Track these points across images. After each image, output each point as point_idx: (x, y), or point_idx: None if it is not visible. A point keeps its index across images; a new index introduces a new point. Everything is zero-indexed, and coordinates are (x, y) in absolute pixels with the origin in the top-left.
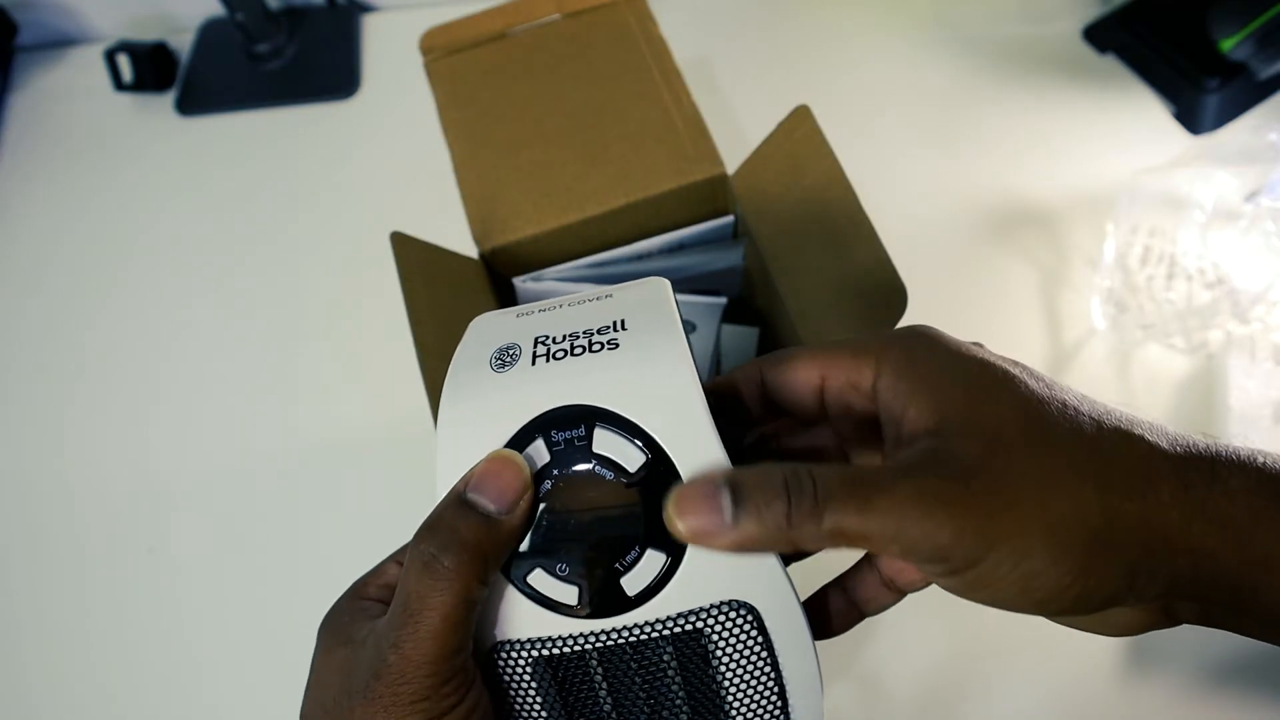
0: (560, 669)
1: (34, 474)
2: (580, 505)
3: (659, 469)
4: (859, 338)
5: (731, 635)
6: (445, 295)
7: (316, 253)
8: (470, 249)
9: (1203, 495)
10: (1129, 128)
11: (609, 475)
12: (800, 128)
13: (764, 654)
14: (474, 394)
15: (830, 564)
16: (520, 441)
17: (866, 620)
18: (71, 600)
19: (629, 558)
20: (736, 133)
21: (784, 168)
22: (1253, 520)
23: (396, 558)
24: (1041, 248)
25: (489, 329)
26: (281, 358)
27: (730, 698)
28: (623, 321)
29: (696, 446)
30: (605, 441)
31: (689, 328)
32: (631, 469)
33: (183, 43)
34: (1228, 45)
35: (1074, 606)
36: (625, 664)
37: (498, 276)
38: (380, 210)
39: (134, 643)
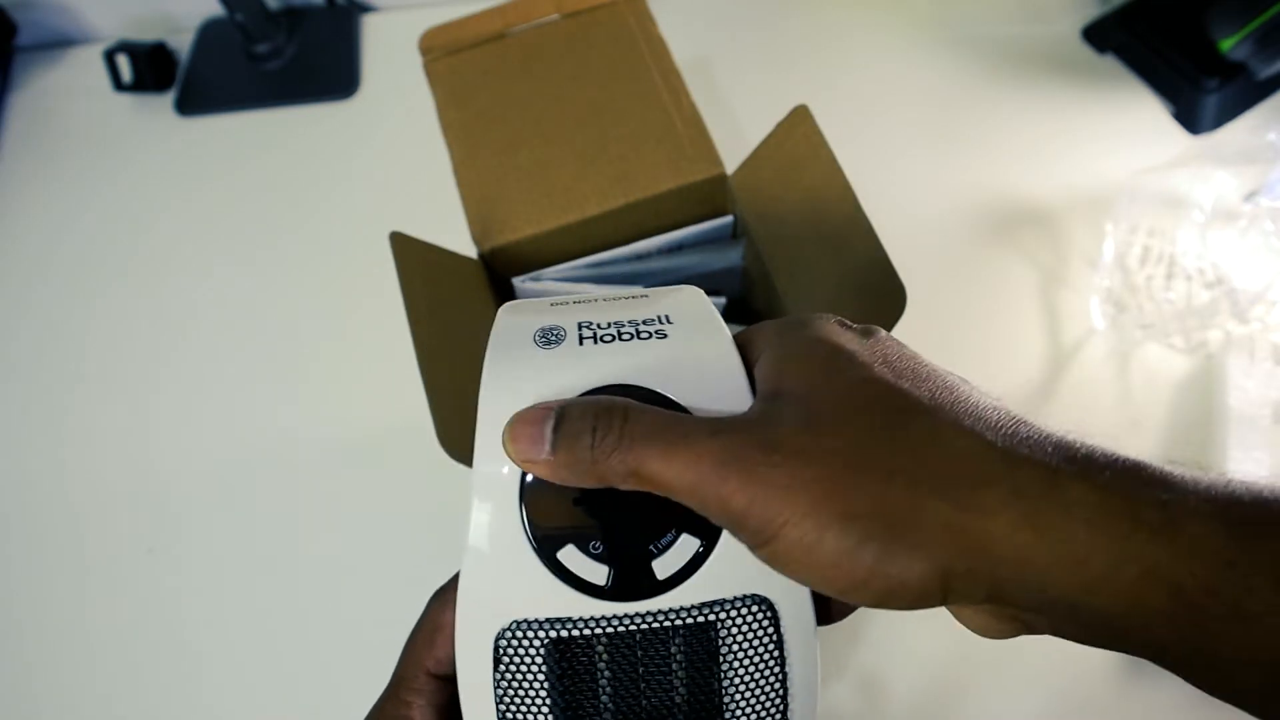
0: (566, 654)
1: (34, 474)
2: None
3: None
4: (757, 324)
5: (749, 629)
6: (445, 295)
7: (316, 253)
8: (470, 249)
9: (1034, 504)
10: (1128, 128)
11: None
12: (799, 128)
13: (775, 652)
14: (520, 364)
15: None
16: None
17: (866, 620)
18: (71, 600)
19: (664, 540)
20: (735, 133)
21: (783, 168)
22: (1091, 536)
23: (427, 668)
24: (1041, 247)
25: (526, 313)
26: (281, 357)
27: (735, 693)
28: (667, 316)
29: None
30: None
31: None
32: None
33: (182, 43)
34: (1227, 45)
35: (880, 600)
36: (631, 653)
37: (497, 276)
38: (380, 210)
39: (134, 643)
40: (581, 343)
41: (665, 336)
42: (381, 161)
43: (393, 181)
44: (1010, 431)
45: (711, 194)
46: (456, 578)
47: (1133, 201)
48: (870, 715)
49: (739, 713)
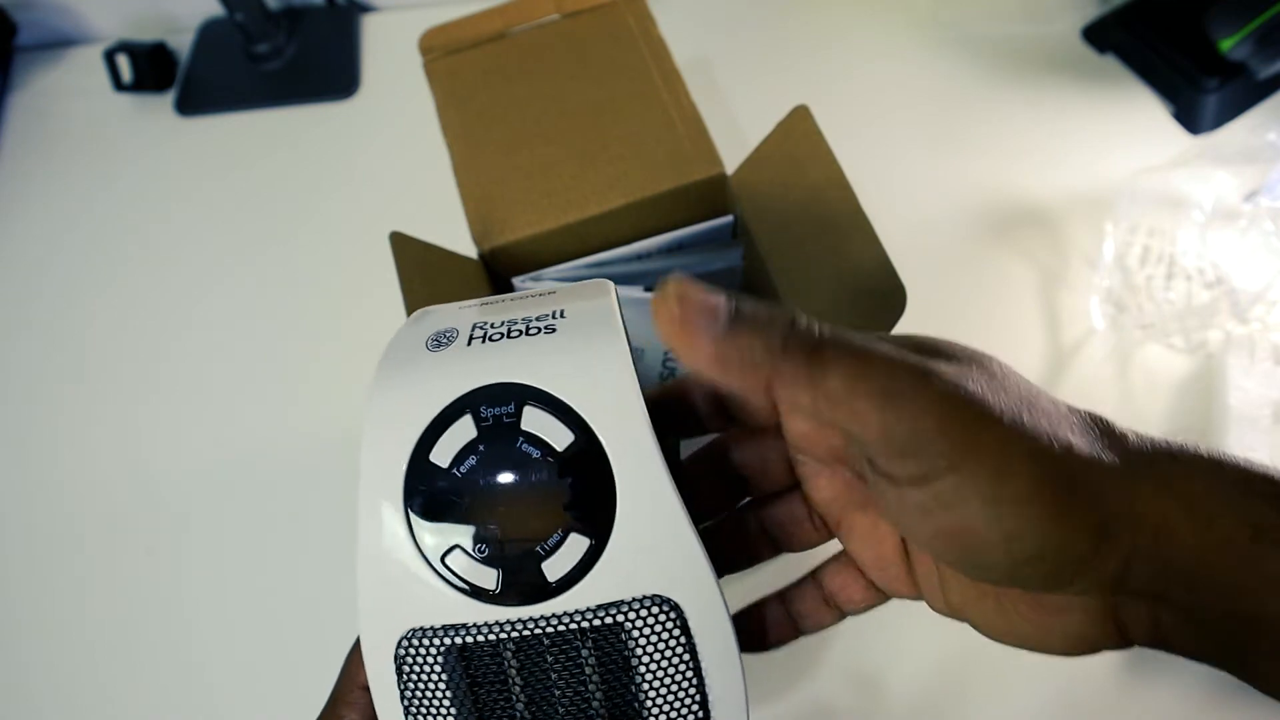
0: (473, 662)
1: (33, 474)
2: (505, 484)
3: (587, 451)
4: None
5: (653, 633)
6: (445, 295)
7: (316, 252)
8: (470, 249)
9: (1167, 470)
10: (1128, 128)
11: (535, 453)
12: (799, 128)
13: (685, 656)
14: (406, 371)
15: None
16: (448, 417)
17: (866, 620)
18: (70, 600)
19: (551, 540)
20: (735, 133)
21: (783, 168)
22: (1214, 500)
23: (361, 682)
24: (1041, 248)
25: (430, 318)
26: (280, 357)
27: (650, 702)
28: (562, 311)
29: (627, 432)
30: (534, 420)
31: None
32: (559, 448)
33: (182, 43)
34: (1227, 45)
35: (1039, 554)
36: (541, 659)
37: (497, 276)
38: (380, 210)
39: (133, 643)
40: (470, 343)
41: (554, 331)
42: (381, 161)
43: (393, 181)
44: (1112, 420)
45: (711, 194)
46: None
47: (1133, 201)
48: (870, 715)
49: (657, 714)
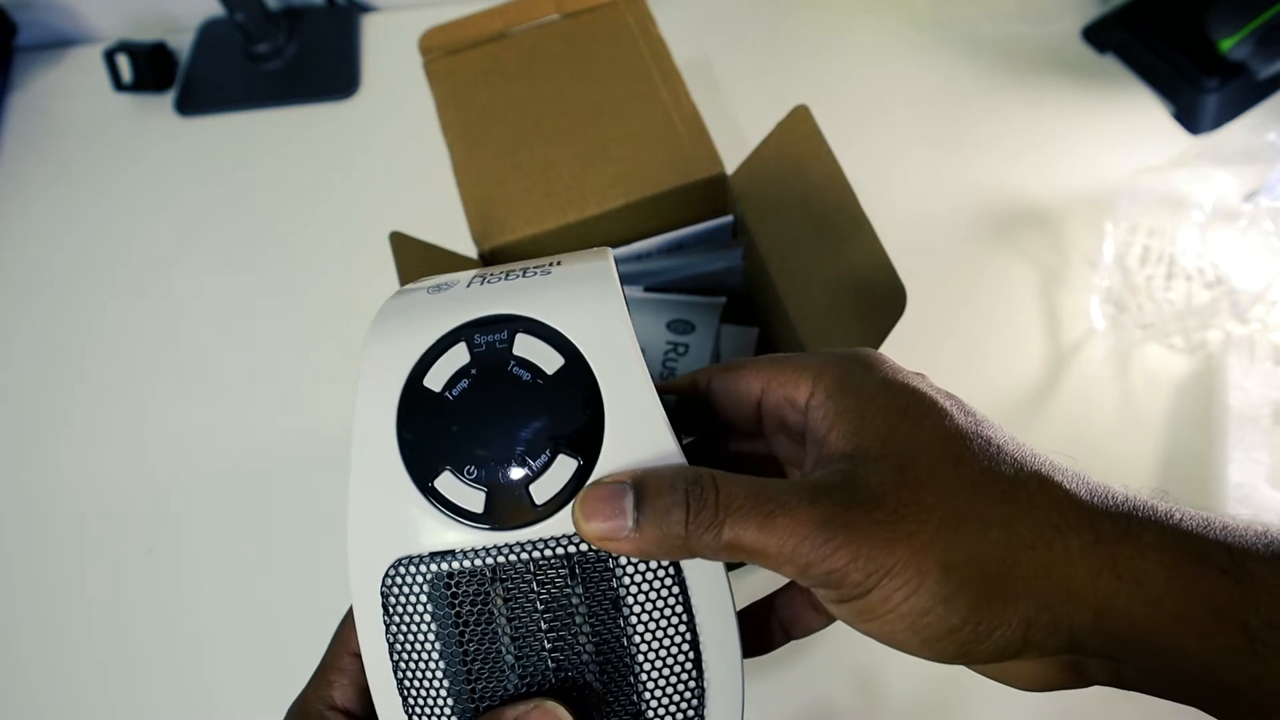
0: (459, 596)
1: (33, 475)
2: (495, 407)
3: (577, 374)
4: (804, 355)
5: (643, 564)
6: None
7: (316, 253)
8: (470, 249)
9: (1114, 549)
10: (1128, 128)
11: (526, 376)
12: (799, 128)
13: (675, 589)
14: (405, 310)
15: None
16: (442, 346)
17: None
18: (71, 600)
19: (539, 461)
20: (735, 133)
21: (783, 168)
22: (1167, 577)
23: (351, 648)
24: (1041, 248)
25: (432, 278)
26: (281, 357)
27: (640, 638)
28: (558, 261)
29: (616, 358)
30: (526, 345)
31: (686, 327)
32: (549, 371)
33: (182, 43)
34: (1227, 45)
35: (963, 651)
36: (528, 594)
37: None
38: (380, 210)
39: (134, 643)
40: (469, 286)
41: (549, 274)
42: (381, 161)
43: (393, 181)
44: (1081, 482)
45: (711, 194)
46: None
47: (1133, 201)
48: (870, 715)
49: (647, 660)
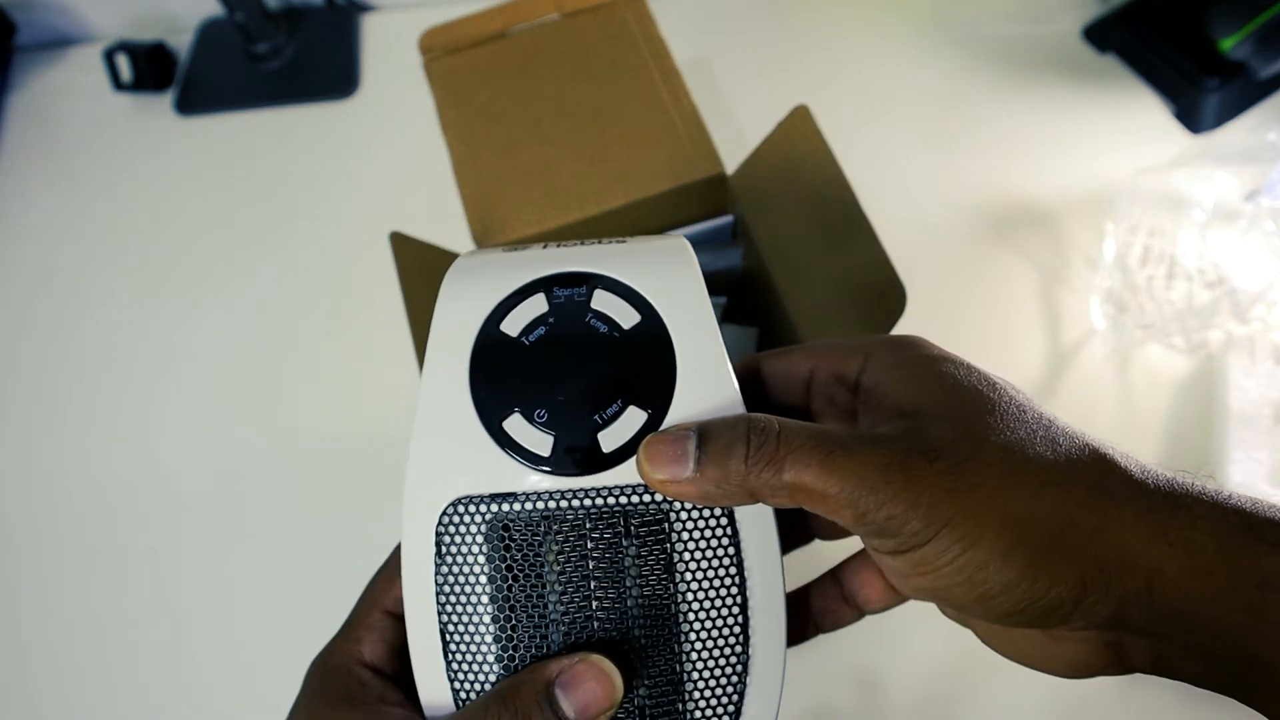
0: (513, 541)
1: (34, 475)
2: (570, 355)
3: (652, 332)
4: (853, 336)
5: (703, 522)
6: None
7: (316, 252)
8: (470, 249)
9: (1166, 518)
10: (1129, 127)
11: (602, 328)
12: (799, 128)
13: (730, 549)
14: (482, 262)
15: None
16: (521, 294)
17: (867, 620)
18: (72, 600)
19: (610, 410)
20: (736, 133)
21: (783, 168)
22: (1218, 549)
23: (384, 606)
24: (1041, 248)
25: (499, 247)
26: (280, 357)
27: (690, 597)
28: (625, 240)
29: (692, 321)
30: (604, 301)
31: None
32: (625, 326)
33: (182, 42)
34: (1228, 45)
35: (1016, 609)
36: (581, 545)
37: None
38: (380, 210)
39: (135, 643)
40: (545, 248)
41: (624, 243)
42: (381, 161)
43: (393, 181)
44: (1132, 459)
45: (711, 194)
46: None
47: (1133, 201)
48: (870, 715)
49: (696, 632)
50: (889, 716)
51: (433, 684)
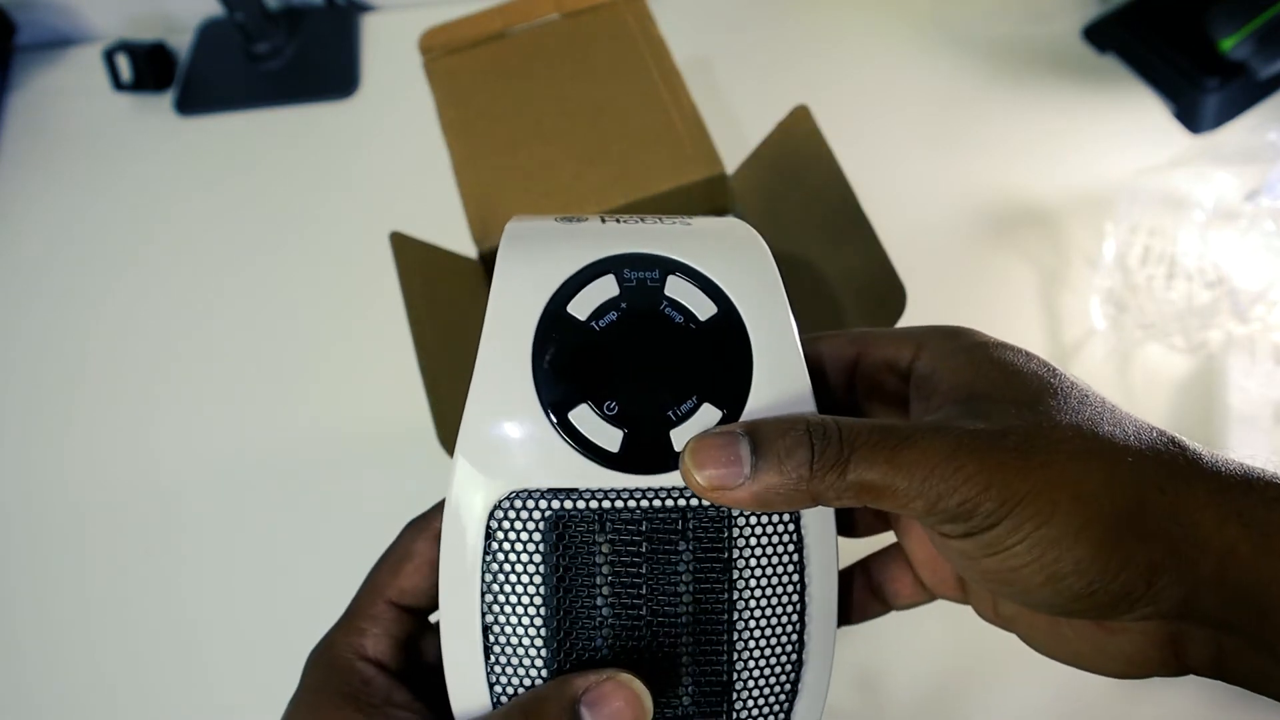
0: (566, 538)
1: (35, 475)
2: (644, 345)
3: (729, 325)
4: (904, 327)
5: (767, 521)
6: (445, 295)
7: (316, 252)
8: (470, 249)
9: (1240, 499)
10: (1129, 127)
11: (678, 318)
12: (799, 128)
13: (794, 552)
14: (541, 234)
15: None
16: (590, 274)
17: (867, 621)
18: (73, 600)
19: (684, 407)
20: (736, 133)
21: (783, 168)
22: None
23: (388, 596)
24: (1041, 248)
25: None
26: (280, 357)
27: (746, 597)
28: (689, 220)
29: (768, 315)
30: (678, 288)
31: None
32: (702, 317)
33: (182, 42)
34: (1228, 45)
35: (1087, 591)
36: (635, 546)
37: None
38: (380, 210)
39: (136, 643)
40: (604, 222)
41: (689, 225)
42: (381, 161)
43: (393, 181)
44: (1196, 443)
45: (711, 194)
46: (433, 508)
47: (1133, 201)
48: (870, 715)
49: (748, 639)
50: (889, 716)
51: (468, 685)
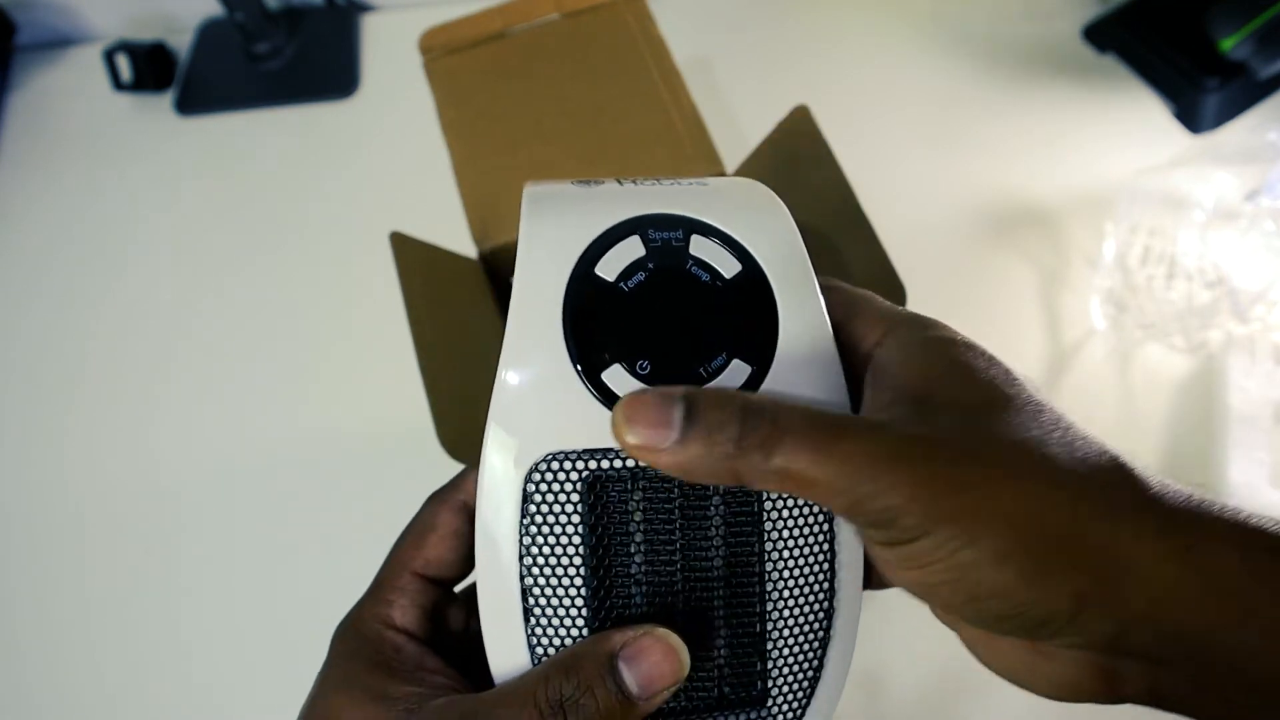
0: (600, 499)
1: (34, 476)
2: (673, 304)
3: (754, 282)
4: (882, 301)
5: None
6: (445, 295)
7: (316, 252)
8: (470, 249)
9: (1185, 538)
10: (1129, 127)
11: (704, 276)
12: (799, 128)
13: (825, 523)
14: (561, 198)
15: None
16: (615, 236)
17: (867, 620)
18: (73, 600)
19: (715, 363)
20: (736, 133)
21: (783, 168)
22: (1241, 571)
23: (413, 568)
24: (1041, 248)
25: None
26: (280, 357)
27: (777, 567)
28: (704, 181)
29: (791, 272)
30: (702, 247)
31: None
32: (727, 275)
33: (181, 42)
34: (1228, 45)
35: (1006, 615)
36: (667, 501)
37: (497, 276)
38: (380, 210)
39: (137, 643)
40: (622, 184)
41: (705, 185)
42: (381, 161)
43: (393, 181)
44: (1151, 473)
45: None
46: (455, 479)
47: (1133, 201)
48: (870, 715)
49: (782, 580)
50: (889, 716)
51: (507, 646)
